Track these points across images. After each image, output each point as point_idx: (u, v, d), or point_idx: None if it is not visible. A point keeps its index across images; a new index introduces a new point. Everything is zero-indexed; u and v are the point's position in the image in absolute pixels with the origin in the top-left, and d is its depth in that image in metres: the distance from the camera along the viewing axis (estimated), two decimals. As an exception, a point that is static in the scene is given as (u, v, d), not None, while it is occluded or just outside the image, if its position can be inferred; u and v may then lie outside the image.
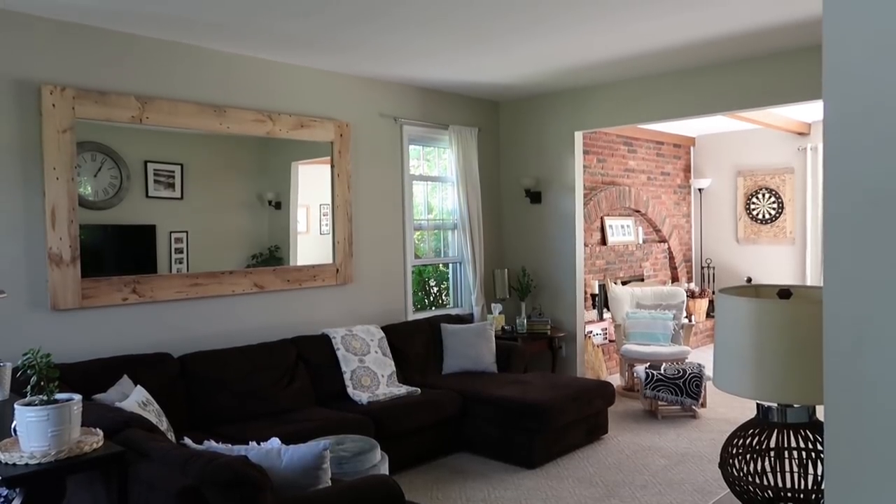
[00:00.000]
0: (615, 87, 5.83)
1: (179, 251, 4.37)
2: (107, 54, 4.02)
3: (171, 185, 4.34)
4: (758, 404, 2.34)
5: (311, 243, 5.14)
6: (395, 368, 4.91)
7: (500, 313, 6.11)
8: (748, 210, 8.98)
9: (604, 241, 7.82)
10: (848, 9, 1.03)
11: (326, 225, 5.19)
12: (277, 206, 4.93)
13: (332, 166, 5.16)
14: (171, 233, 4.33)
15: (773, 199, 8.75)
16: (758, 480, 2.24)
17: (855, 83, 1.03)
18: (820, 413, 1.96)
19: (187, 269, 4.39)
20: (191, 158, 4.42)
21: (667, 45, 4.64)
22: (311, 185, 5.14)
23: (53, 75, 3.82)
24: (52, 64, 3.82)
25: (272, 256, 4.87)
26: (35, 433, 2.28)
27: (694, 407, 5.62)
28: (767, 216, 8.81)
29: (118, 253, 4.22)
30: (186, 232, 4.40)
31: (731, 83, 5.20)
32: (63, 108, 3.79)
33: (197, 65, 4.42)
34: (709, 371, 5.58)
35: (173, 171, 4.34)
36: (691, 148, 9.39)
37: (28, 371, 2.33)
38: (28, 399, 2.33)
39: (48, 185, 3.74)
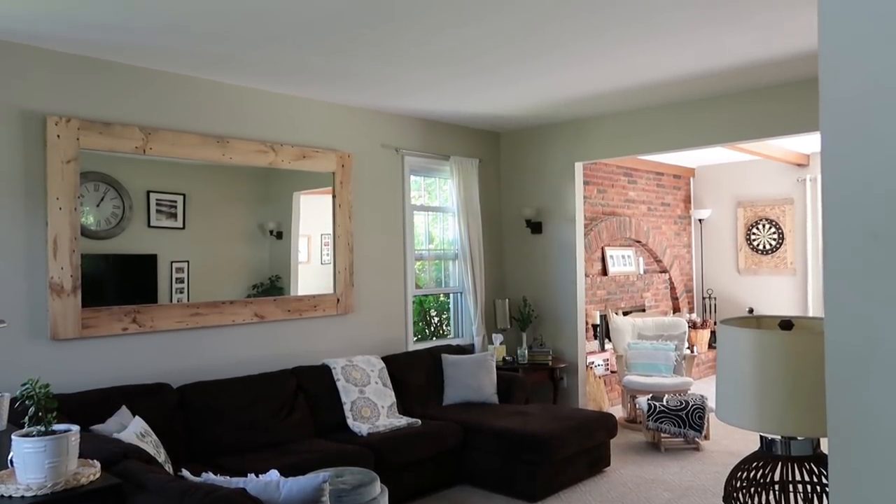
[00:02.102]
0: (615, 119, 5.88)
1: (180, 281, 4.37)
2: (112, 86, 4.07)
3: (173, 215, 4.35)
4: (761, 437, 2.32)
5: (311, 273, 5.14)
6: (395, 399, 4.87)
7: (501, 344, 6.09)
8: (749, 241, 8.99)
9: (604, 272, 7.82)
10: (844, 42, 1.05)
11: (327, 255, 5.19)
12: (279, 235, 4.94)
13: (334, 196, 5.18)
14: (172, 262, 4.34)
15: (773, 229, 8.76)
16: (762, 514, 2.21)
17: (851, 115, 1.04)
18: (824, 445, 1.94)
19: (188, 299, 4.39)
20: (193, 188, 4.45)
21: (666, 77, 4.69)
22: (313, 215, 5.16)
23: (59, 106, 3.86)
24: (58, 95, 3.86)
25: (273, 286, 4.87)
26: (32, 465, 2.26)
27: (697, 439, 5.57)
28: (768, 247, 8.82)
29: (119, 282, 4.22)
30: (188, 261, 4.41)
31: (730, 115, 5.25)
32: (68, 139, 3.82)
33: (200, 96, 4.47)
34: (712, 402, 5.54)
35: (175, 201, 4.36)
36: (691, 179, 9.43)
37: (26, 401, 2.31)
38: (25, 430, 2.31)
39: (51, 214, 3.76)
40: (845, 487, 1.06)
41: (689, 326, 7.71)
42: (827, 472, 1.62)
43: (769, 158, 8.00)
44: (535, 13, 3.42)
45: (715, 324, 8.74)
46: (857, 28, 1.03)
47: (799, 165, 8.46)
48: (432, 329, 6.76)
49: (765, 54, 4.21)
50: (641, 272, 8.37)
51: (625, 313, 7.70)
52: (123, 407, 3.63)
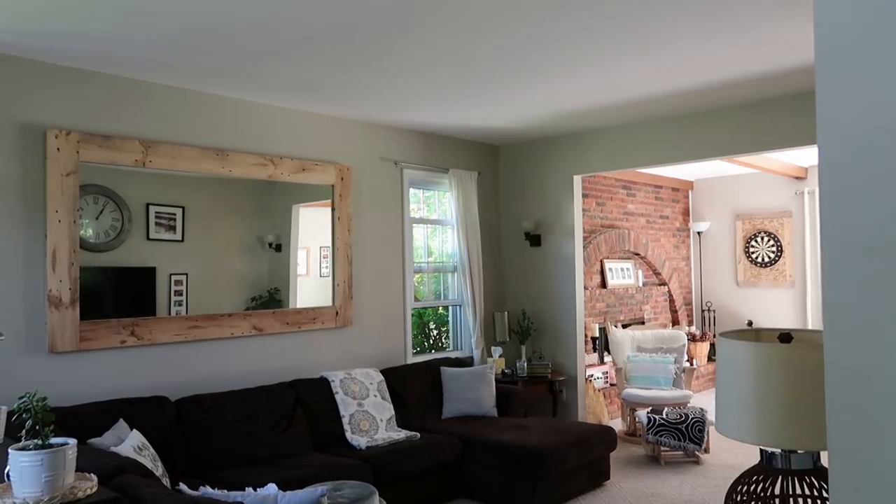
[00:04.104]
0: (614, 132, 5.90)
1: (179, 293, 4.36)
2: (112, 99, 4.08)
3: (172, 228, 4.36)
4: (761, 450, 2.31)
5: (310, 286, 5.14)
6: (394, 412, 4.85)
7: (500, 356, 6.08)
8: (747, 253, 9.00)
9: (604, 284, 7.82)
10: (840, 56, 1.06)
11: (326, 267, 5.19)
12: (278, 248, 4.94)
13: (333, 209, 5.19)
14: (171, 275, 4.33)
15: (771, 242, 8.78)
16: (763, 529, 2.20)
17: (848, 129, 1.05)
18: (824, 459, 1.93)
19: (186, 312, 4.38)
20: (192, 201, 4.45)
21: (665, 91, 4.72)
22: (312, 228, 5.17)
23: (59, 119, 3.87)
24: (58, 108, 3.87)
25: (272, 299, 4.86)
26: (28, 478, 2.25)
27: (697, 452, 5.55)
28: (767, 259, 8.83)
29: (118, 295, 4.21)
30: (186, 274, 4.41)
31: (729, 128, 5.27)
32: (67, 152, 3.83)
33: (200, 109, 4.49)
34: (711, 416, 5.52)
35: (174, 214, 4.37)
36: (689, 191, 9.46)
37: (24, 415, 2.31)
38: (22, 444, 2.30)
39: (50, 227, 3.76)
40: (846, 501, 1.05)
41: (688, 339, 7.69)
42: (827, 485, 1.61)
43: (767, 171, 8.02)
44: (536, 31, 3.44)
45: (714, 336, 8.73)
46: (853, 43, 1.04)
47: (797, 178, 8.49)
48: (431, 342, 6.75)
49: (763, 68, 4.24)
50: (640, 285, 8.37)
51: (624, 326, 7.69)
52: (121, 420, 3.62)
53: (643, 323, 8.18)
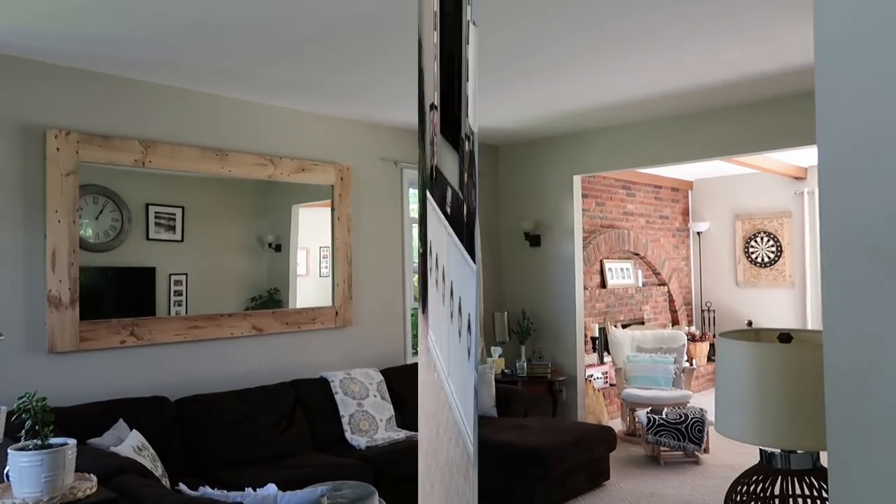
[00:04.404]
0: (613, 132, 5.90)
1: (179, 293, 4.36)
2: (111, 99, 4.08)
3: (172, 228, 4.36)
4: (761, 450, 2.31)
5: (310, 286, 5.13)
6: (393, 412, 4.85)
7: (499, 356, 6.08)
8: (747, 253, 9.00)
9: (603, 284, 7.82)
10: (839, 57, 1.06)
11: (326, 267, 5.19)
12: (277, 248, 4.94)
13: (333, 209, 5.19)
14: (170, 275, 4.33)
15: (771, 242, 8.78)
16: (763, 529, 2.20)
17: (847, 129, 1.05)
18: (824, 459, 1.93)
19: (186, 312, 4.38)
20: (192, 201, 4.45)
21: (665, 91, 4.72)
22: (312, 228, 5.17)
23: (59, 119, 3.87)
24: (58, 108, 3.87)
25: (271, 299, 4.86)
26: (28, 479, 2.25)
27: (697, 453, 5.55)
28: (766, 259, 8.83)
29: (117, 295, 4.21)
30: (186, 274, 4.41)
31: (728, 128, 5.27)
32: (67, 152, 3.83)
33: (199, 109, 4.49)
34: (711, 416, 5.52)
35: (174, 214, 4.37)
36: (689, 192, 9.46)
37: (23, 415, 2.31)
38: (22, 444, 2.30)
39: (50, 227, 3.76)
40: (846, 501, 1.05)
41: (688, 339, 7.70)
42: (827, 485, 1.61)
43: (767, 171, 8.02)
44: (536, 31, 3.43)
45: (714, 337, 8.73)
46: (853, 43, 1.04)
47: (796, 178, 8.49)
48: (431, 342, 6.74)
49: (762, 68, 4.24)
50: (640, 285, 8.37)
51: (624, 326, 7.69)
52: (121, 420, 3.62)
53: (643, 323, 8.18)
